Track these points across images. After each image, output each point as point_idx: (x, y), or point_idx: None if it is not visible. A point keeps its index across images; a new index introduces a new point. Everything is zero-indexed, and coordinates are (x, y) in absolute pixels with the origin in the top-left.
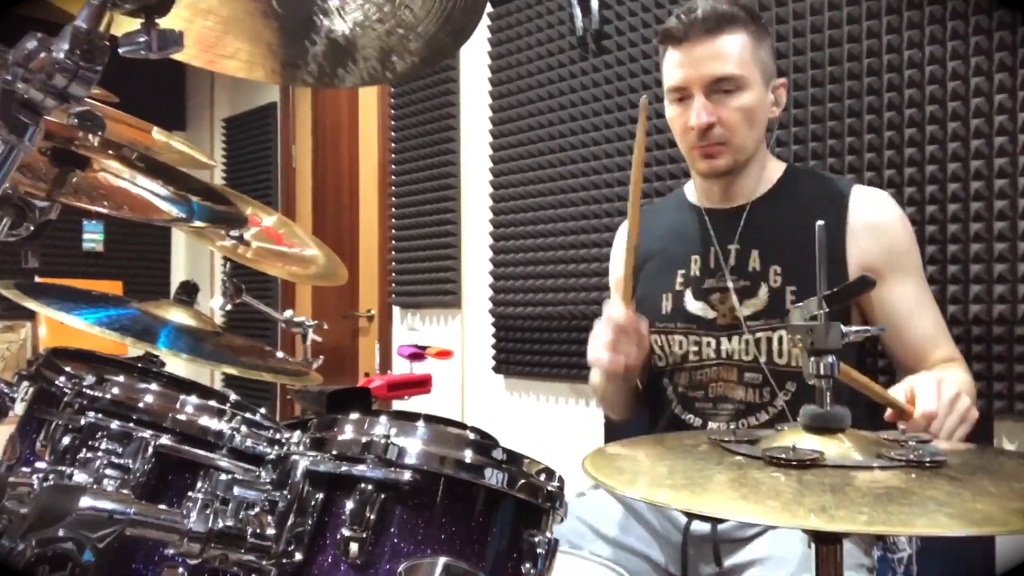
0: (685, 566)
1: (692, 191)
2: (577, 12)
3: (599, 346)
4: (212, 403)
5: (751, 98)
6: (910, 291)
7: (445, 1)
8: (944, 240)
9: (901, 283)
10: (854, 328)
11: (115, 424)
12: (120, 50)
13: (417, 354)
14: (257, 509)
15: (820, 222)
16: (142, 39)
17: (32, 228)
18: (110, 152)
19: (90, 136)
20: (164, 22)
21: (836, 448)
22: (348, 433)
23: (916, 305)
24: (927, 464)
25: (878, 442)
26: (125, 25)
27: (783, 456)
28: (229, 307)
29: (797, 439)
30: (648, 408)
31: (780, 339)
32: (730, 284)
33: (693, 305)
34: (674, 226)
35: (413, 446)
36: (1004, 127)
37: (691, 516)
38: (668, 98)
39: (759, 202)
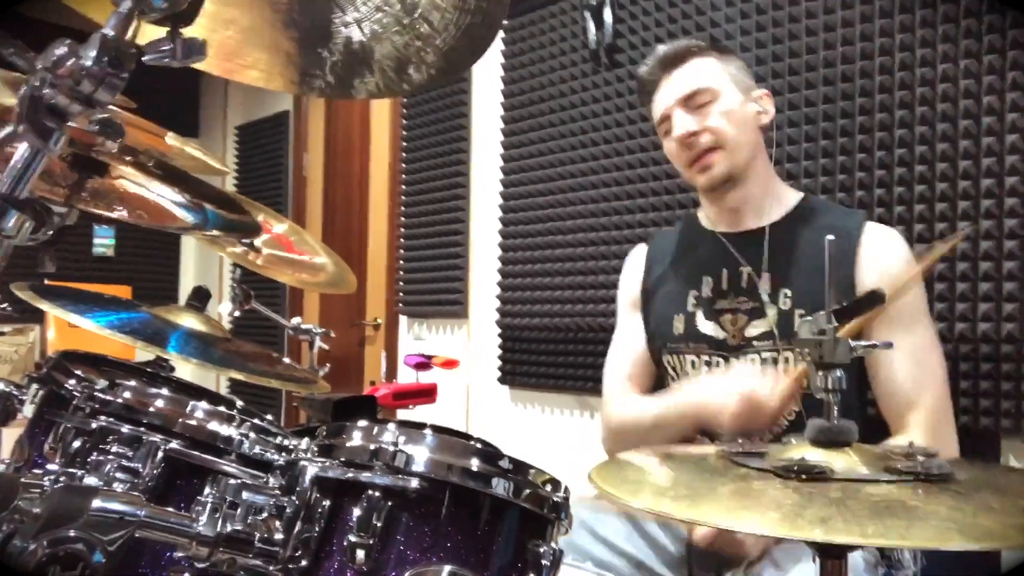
0: None
1: (705, 217)
2: (590, 26)
3: (761, 418)
4: (222, 409)
5: (728, 103)
6: (903, 338)
7: (463, 14)
8: (953, 258)
9: (893, 329)
10: (863, 343)
11: (126, 428)
12: (145, 58)
13: (423, 363)
14: (265, 514)
15: (829, 236)
16: (166, 47)
17: (51, 233)
18: (127, 158)
19: (108, 142)
20: (187, 31)
21: (843, 462)
22: (356, 440)
23: (906, 354)
24: (934, 478)
25: (885, 456)
26: (150, 34)
27: (791, 469)
28: (238, 313)
29: (805, 452)
30: None
31: (787, 360)
32: (766, 299)
33: (705, 326)
34: (687, 249)
35: (421, 454)
36: (1017, 146)
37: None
38: (661, 134)
39: (779, 225)
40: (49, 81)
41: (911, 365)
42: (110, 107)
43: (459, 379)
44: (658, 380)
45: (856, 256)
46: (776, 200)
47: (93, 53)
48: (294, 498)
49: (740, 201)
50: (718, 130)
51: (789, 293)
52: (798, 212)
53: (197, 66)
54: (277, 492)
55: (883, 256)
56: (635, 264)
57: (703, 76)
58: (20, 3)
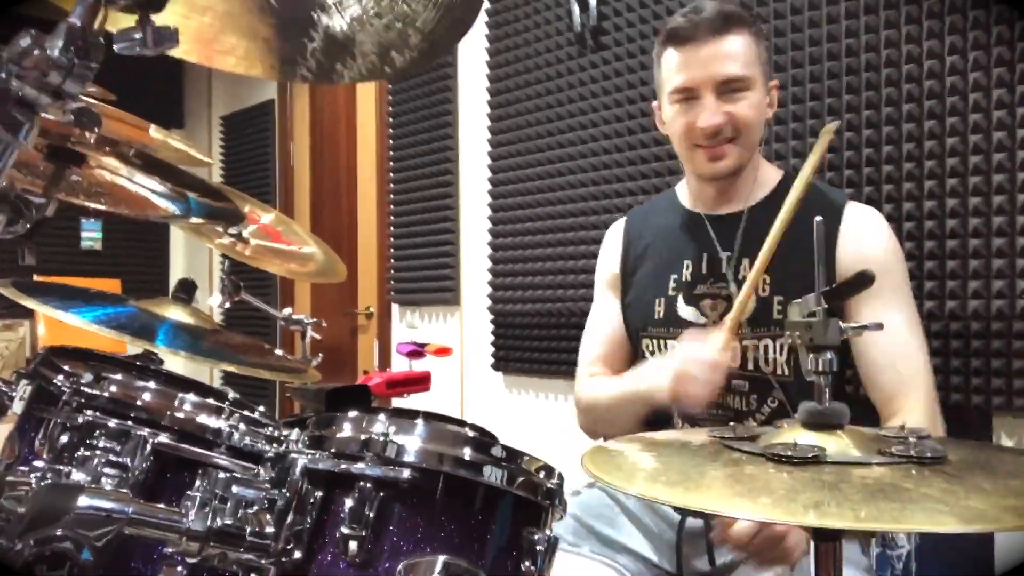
0: (680, 564)
1: (685, 193)
2: (575, 8)
3: (698, 387)
4: (210, 401)
5: (756, 98)
6: (890, 317)
7: None
8: (942, 235)
9: (875, 308)
10: (852, 324)
11: (113, 422)
12: (115, 47)
13: (416, 351)
14: (256, 508)
15: (818, 218)
16: (137, 36)
17: (29, 226)
18: (107, 149)
19: (86, 133)
20: (160, 19)
21: (836, 445)
22: (347, 431)
23: (895, 333)
24: (927, 460)
25: (878, 438)
26: (121, 22)
27: (784, 453)
28: (228, 305)
29: (797, 436)
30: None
31: (766, 348)
32: (732, 289)
33: (685, 311)
34: (667, 230)
35: (412, 444)
36: (1003, 122)
37: (684, 514)
38: (669, 99)
39: (756, 208)
40: (16, 73)
41: (901, 344)
42: (85, 97)
43: (453, 367)
44: (636, 363)
45: (837, 236)
46: (757, 182)
47: (60, 43)
48: (285, 491)
49: (731, 187)
50: (742, 125)
51: (768, 279)
52: (779, 193)
53: (173, 53)
54: (267, 485)
55: (864, 236)
56: (612, 242)
57: (742, 60)
58: (20, 3)
